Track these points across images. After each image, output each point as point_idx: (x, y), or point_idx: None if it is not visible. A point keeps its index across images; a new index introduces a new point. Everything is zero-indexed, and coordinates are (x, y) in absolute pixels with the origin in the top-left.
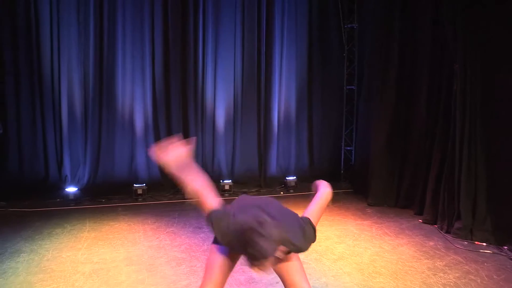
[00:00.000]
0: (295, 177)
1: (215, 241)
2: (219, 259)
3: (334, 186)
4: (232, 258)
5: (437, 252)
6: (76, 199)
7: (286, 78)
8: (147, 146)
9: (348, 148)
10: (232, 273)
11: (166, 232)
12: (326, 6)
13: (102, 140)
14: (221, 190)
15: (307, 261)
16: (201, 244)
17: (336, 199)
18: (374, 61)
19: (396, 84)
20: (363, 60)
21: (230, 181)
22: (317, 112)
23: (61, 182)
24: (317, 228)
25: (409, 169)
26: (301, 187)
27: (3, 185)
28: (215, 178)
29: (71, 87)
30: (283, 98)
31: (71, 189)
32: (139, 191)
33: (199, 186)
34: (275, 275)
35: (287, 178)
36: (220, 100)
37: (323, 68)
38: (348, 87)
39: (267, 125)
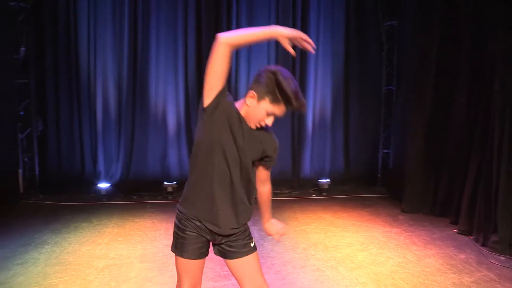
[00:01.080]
0: (328, 180)
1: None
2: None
3: (370, 191)
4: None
5: (467, 266)
6: (108, 195)
7: (322, 78)
8: (179, 145)
9: (386, 151)
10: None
11: None
12: (364, 3)
13: (135, 138)
14: None
15: (322, 268)
16: None
17: (369, 204)
18: (413, 60)
19: (435, 84)
20: (403, 59)
21: None
22: (354, 113)
23: (95, 178)
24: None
25: (446, 175)
26: (335, 190)
27: (43, 179)
28: None
29: (106, 86)
30: (318, 98)
31: (104, 185)
32: (169, 189)
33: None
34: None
35: (319, 180)
36: None
37: (361, 68)
38: (386, 87)
39: (301, 125)
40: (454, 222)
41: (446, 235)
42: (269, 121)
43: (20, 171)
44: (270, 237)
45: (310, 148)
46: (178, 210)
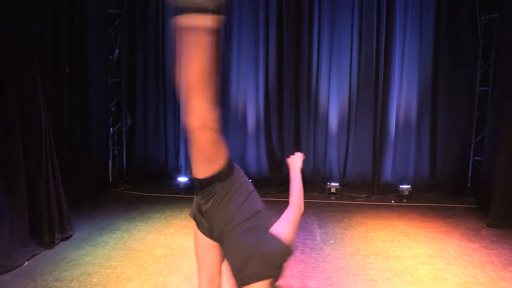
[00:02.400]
0: (409, 186)
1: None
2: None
3: (457, 200)
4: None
5: None
6: (187, 189)
7: (407, 78)
8: (258, 143)
9: (478, 158)
10: None
11: None
12: None
13: None
14: (327, 193)
15: (376, 278)
16: None
17: (451, 215)
18: (510, 57)
19: None
20: (501, 57)
21: (338, 184)
22: (443, 116)
23: (177, 172)
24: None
25: None
26: (416, 197)
27: (131, 170)
28: (326, 180)
29: None
30: (403, 99)
31: (183, 179)
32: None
33: None
34: None
35: (400, 186)
36: (334, 100)
37: (452, 67)
38: (481, 88)
39: (383, 128)
40: None
41: None
42: None
43: (110, 162)
44: (332, 241)
45: (392, 152)
46: None
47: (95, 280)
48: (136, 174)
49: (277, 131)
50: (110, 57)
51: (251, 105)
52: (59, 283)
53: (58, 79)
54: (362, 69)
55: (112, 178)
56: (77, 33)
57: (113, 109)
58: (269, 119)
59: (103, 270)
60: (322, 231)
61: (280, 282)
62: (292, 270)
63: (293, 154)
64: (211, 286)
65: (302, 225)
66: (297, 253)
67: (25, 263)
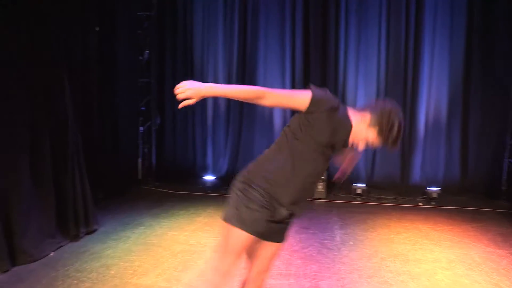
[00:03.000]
0: (438, 188)
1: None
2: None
3: (490, 204)
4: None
5: None
6: (213, 187)
7: (437, 77)
8: None
9: None
10: None
11: None
12: None
13: (242, 135)
14: (352, 194)
15: (390, 281)
16: (295, 244)
17: (481, 219)
18: None
19: None
20: None
21: (364, 185)
22: (475, 116)
23: (204, 171)
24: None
25: None
26: (446, 200)
27: (160, 168)
28: (353, 181)
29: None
30: (433, 99)
31: (209, 178)
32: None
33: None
34: None
35: (427, 188)
36: (361, 100)
37: (485, 65)
38: None
39: (412, 128)
40: None
41: None
42: (362, 146)
43: (140, 160)
44: (351, 242)
45: (421, 153)
46: None
47: (112, 272)
48: (165, 172)
49: None
50: (140, 58)
51: None
52: (79, 274)
53: (88, 80)
54: (390, 69)
55: (142, 175)
56: (107, 35)
57: (143, 108)
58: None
59: (122, 263)
60: (342, 232)
61: (291, 281)
62: (306, 269)
63: None
64: (259, 278)
65: (323, 225)
66: (314, 253)
67: (50, 254)
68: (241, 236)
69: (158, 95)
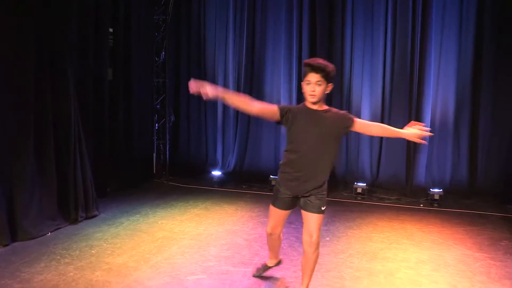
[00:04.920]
0: (441, 190)
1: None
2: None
3: (498, 209)
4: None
5: None
6: (220, 182)
7: (444, 77)
8: None
9: None
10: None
11: (256, 222)
12: None
13: (250, 133)
14: (354, 193)
15: (346, 276)
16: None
17: (481, 223)
18: None
19: None
20: None
21: (365, 184)
22: (485, 117)
23: (215, 166)
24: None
25: None
26: (451, 202)
27: (174, 163)
28: (358, 181)
29: (227, 85)
30: (440, 99)
31: (217, 173)
32: (273, 182)
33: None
34: None
35: (430, 189)
36: (366, 98)
37: (496, 65)
38: None
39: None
40: None
41: None
42: (309, 88)
43: (154, 155)
44: (327, 238)
45: (427, 154)
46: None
47: (93, 252)
48: (179, 167)
49: None
50: (157, 59)
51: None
52: (64, 251)
53: (100, 79)
54: (396, 68)
55: (156, 170)
56: (122, 37)
57: (158, 106)
58: None
59: (105, 244)
60: (325, 228)
61: (249, 269)
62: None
63: None
64: (277, 230)
65: None
66: (285, 246)
67: (48, 233)
68: None
69: (173, 94)
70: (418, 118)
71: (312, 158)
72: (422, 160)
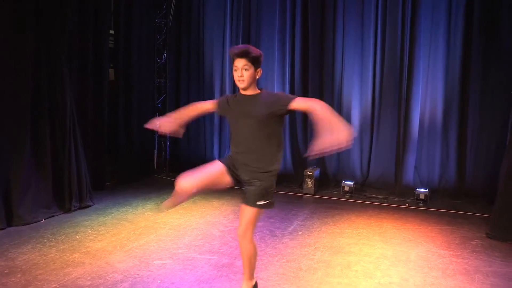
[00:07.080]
0: (426, 190)
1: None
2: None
3: (484, 210)
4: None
5: None
6: None
7: (433, 77)
8: (283, 141)
9: None
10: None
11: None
12: None
13: None
14: (342, 191)
15: (303, 267)
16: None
17: (457, 222)
18: None
19: None
20: None
21: (352, 183)
22: (474, 118)
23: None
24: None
25: None
26: (435, 202)
27: (176, 159)
28: (348, 179)
29: (223, 84)
30: (429, 100)
31: None
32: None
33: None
34: None
35: (417, 189)
36: (356, 99)
37: (486, 65)
38: None
39: (407, 128)
40: None
41: None
42: (236, 74)
43: (155, 152)
44: (300, 233)
45: (415, 154)
46: None
47: (77, 237)
48: (179, 163)
49: (302, 130)
50: (158, 60)
51: None
52: (51, 236)
53: (100, 78)
54: (386, 69)
55: (157, 166)
56: (123, 38)
57: (159, 105)
58: (294, 118)
59: (89, 231)
60: (301, 223)
61: (214, 257)
62: (234, 249)
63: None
64: (193, 185)
65: (288, 216)
66: (256, 239)
67: (42, 220)
68: None
69: (173, 94)
70: (407, 119)
71: (250, 142)
72: (411, 160)
